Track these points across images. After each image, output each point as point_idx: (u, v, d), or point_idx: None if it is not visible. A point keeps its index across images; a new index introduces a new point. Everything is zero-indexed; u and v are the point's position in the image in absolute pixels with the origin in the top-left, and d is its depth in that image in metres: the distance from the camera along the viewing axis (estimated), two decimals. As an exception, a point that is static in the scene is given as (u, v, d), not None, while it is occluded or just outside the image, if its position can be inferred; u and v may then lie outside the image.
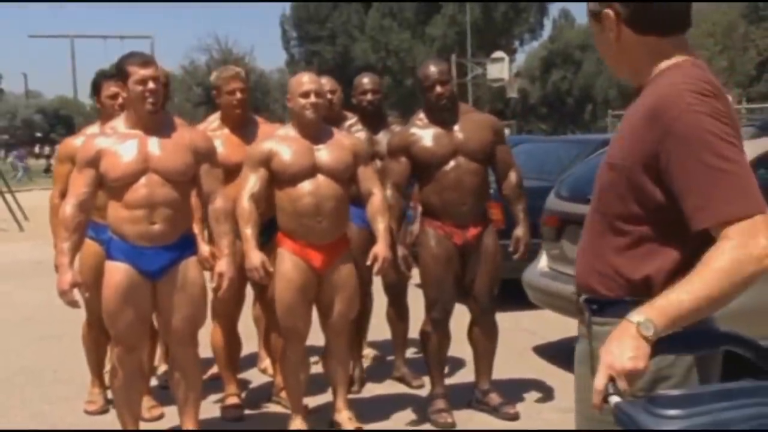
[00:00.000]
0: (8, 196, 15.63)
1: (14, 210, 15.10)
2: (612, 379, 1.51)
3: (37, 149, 55.07)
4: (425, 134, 4.12)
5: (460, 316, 4.38)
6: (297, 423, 4.01)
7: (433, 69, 4.11)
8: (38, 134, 65.38)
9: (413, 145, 4.11)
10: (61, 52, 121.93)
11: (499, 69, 27.70)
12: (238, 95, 4.28)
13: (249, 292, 4.48)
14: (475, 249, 4.14)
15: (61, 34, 39.70)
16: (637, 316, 1.52)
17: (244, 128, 4.34)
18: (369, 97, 4.71)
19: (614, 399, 1.51)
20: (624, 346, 1.51)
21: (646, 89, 1.75)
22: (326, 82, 4.72)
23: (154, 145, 3.58)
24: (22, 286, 8.39)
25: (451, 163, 4.10)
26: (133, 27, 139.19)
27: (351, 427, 4.00)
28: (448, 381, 4.43)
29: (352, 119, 4.82)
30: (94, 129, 4.39)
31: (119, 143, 3.57)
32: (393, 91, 43.16)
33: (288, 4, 52.76)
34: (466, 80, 32.55)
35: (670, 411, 1.43)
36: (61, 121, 68.53)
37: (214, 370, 4.73)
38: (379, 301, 5.10)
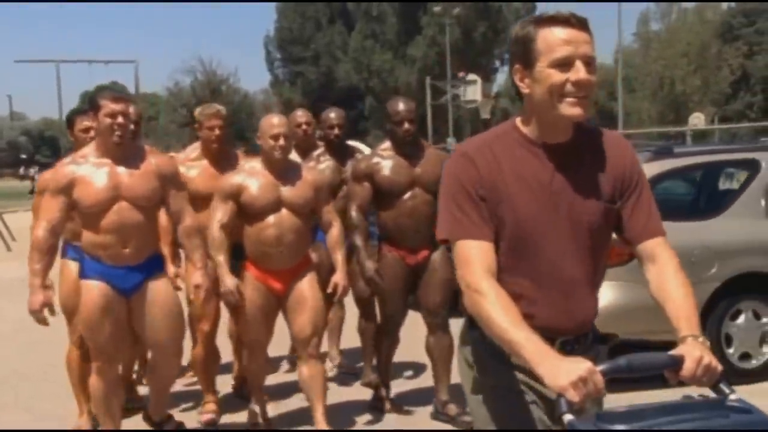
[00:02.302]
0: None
1: (1, 230, 15.47)
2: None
3: (21, 171, 55.03)
4: (387, 164, 4.44)
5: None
6: (256, 409, 4.48)
7: (402, 107, 4.41)
8: (23, 156, 65.32)
9: (376, 173, 4.43)
10: (46, 75, 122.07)
11: (473, 91, 28.25)
12: (217, 131, 4.61)
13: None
14: (425, 268, 4.50)
15: (47, 59, 40.04)
16: (696, 334, 1.82)
17: (222, 161, 4.63)
18: (336, 131, 5.14)
19: (567, 417, 1.62)
20: (708, 352, 1.77)
21: (574, 137, 1.99)
22: (301, 115, 5.20)
23: (123, 173, 3.79)
24: (12, 301, 8.77)
25: (409, 194, 4.41)
26: (119, 49, 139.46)
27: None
28: (409, 386, 4.80)
29: (320, 149, 5.23)
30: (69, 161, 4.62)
31: (91, 172, 3.77)
32: (376, 110, 43.71)
33: (272, 26, 53.36)
34: (441, 101, 33.12)
35: (617, 426, 1.57)
36: (46, 142, 68.59)
37: (192, 378, 5.07)
38: (350, 312, 5.47)
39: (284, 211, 4.12)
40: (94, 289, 3.76)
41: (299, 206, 4.15)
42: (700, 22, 38.49)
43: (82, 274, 3.85)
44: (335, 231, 4.28)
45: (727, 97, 40.57)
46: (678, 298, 1.90)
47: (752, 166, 5.49)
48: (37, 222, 3.81)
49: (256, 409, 4.51)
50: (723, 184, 6.29)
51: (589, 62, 1.88)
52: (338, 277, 4.22)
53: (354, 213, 4.45)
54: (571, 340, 1.99)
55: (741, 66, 40.18)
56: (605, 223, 2.00)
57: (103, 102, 3.74)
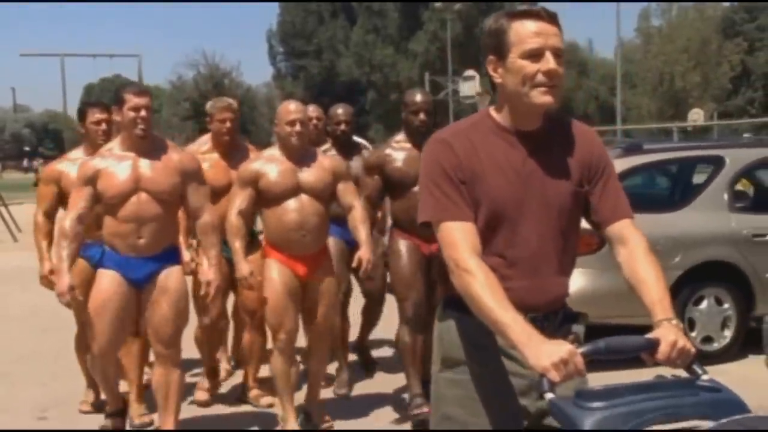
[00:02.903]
0: (2, 210, 16.29)
1: (8, 222, 15.76)
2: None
3: (25, 163, 55.27)
4: (399, 156, 4.44)
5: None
6: (291, 423, 4.21)
7: (420, 98, 4.46)
8: (26, 148, 65.47)
9: (387, 164, 4.44)
10: (50, 68, 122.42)
11: (470, 87, 28.42)
12: (228, 124, 4.68)
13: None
14: (439, 260, 4.55)
15: (52, 52, 40.34)
16: (670, 317, 1.91)
17: (232, 154, 4.70)
18: (342, 127, 5.13)
19: (549, 395, 1.73)
20: (682, 335, 1.86)
21: (545, 126, 2.08)
22: (313, 110, 5.30)
23: (145, 166, 3.89)
24: (23, 289, 9.10)
25: None
26: (123, 42, 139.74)
27: (323, 423, 4.28)
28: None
29: (327, 145, 5.27)
30: (78, 153, 4.64)
31: (115, 164, 3.88)
32: (377, 105, 43.97)
33: (275, 20, 53.56)
34: (440, 97, 33.38)
35: (594, 403, 1.67)
36: (50, 135, 68.78)
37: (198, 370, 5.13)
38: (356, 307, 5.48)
39: (304, 196, 4.15)
40: (106, 278, 3.89)
41: (319, 191, 4.19)
42: (700, 19, 38.60)
43: (100, 263, 3.97)
44: (357, 211, 4.28)
45: (728, 93, 40.68)
46: (650, 281, 1.98)
47: (717, 162, 5.85)
48: (66, 211, 3.92)
49: (291, 422, 4.24)
50: (696, 179, 6.64)
51: (558, 54, 1.97)
52: (363, 252, 4.20)
53: (363, 203, 4.49)
54: (540, 317, 2.04)
55: (741, 62, 40.29)
56: (574, 205, 2.09)
57: (128, 96, 3.87)
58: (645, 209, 5.36)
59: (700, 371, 1.82)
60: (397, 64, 42.91)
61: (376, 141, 5.69)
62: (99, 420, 4.37)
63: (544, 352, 1.75)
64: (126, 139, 3.94)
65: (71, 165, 4.38)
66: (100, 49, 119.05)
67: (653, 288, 1.98)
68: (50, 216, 4.49)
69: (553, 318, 2.10)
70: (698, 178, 6.50)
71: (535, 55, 1.96)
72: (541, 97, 1.98)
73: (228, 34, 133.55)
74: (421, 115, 4.44)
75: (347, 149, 5.18)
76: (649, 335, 1.86)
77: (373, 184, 4.50)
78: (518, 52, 1.97)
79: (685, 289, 5.45)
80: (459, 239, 2.00)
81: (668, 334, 1.85)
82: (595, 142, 2.17)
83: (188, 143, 5.53)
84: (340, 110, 5.24)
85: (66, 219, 3.87)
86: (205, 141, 4.90)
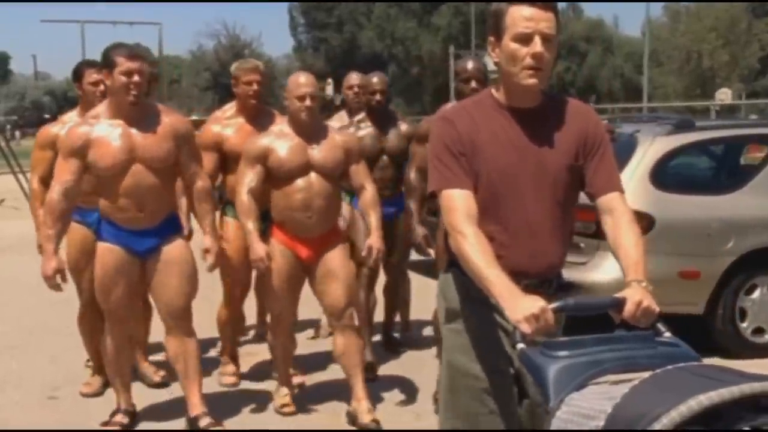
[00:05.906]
0: (20, 177, 16.27)
1: (26, 190, 15.73)
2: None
3: (45, 130, 55.46)
4: None
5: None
6: (282, 393, 4.24)
7: (471, 65, 4.27)
8: (47, 116, 65.62)
9: None
10: (71, 35, 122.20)
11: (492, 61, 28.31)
12: (255, 86, 4.40)
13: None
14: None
15: (72, 19, 40.28)
16: (640, 279, 2.05)
17: (258, 118, 4.43)
18: (378, 97, 4.84)
19: (520, 345, 1.91)
20: (648, 296, 1.99)
21: (541, 103, 2.26)
22: (355, 78, 5.12)
23: (138, 135, 3.66)
24: (37, 257, 9.00)
25: None
26: (143, 12, 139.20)
27: (368, 419, 3.97)
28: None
29: (361, 114, 5.00)
30: (72, 115, 4.42)
31: (106, 134, 3.63)
32: (398, 78, 43.63)
33: (296, -9, 53.06)
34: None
35: (559, 352, 1.84)
36: (70, 102, 69.05)
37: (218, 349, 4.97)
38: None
39: (313, 174, 3.96)
40: (109, 253, 3.76)
41: (329, 169, 3.99)
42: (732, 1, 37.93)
43: (99, 237, 3.82)
44: (368, 193, 4.09)
45: (756, 72, 40.15)
46: (629, 246, 2.15)
47: None
48: (51, 185, 3.68)
49: (284, 392, 4.27)
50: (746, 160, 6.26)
51: (546, 39, 2.12)
52: (373, 240, 4.01)
53: (413, 174, 4.32)
54: (535, 283, 2.21)
55: (771, 42, 39.63)
56: (570, 178, 2.25)
57: (119, 59, 3.58)
58: (695, 191, 5.06)
59: (663, 329, 1.96)
60: (419, 38, 42.54)
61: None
62: (109, 401, 4.19)
63: (519, 306, 1.94)
64: (114, 105, 3.67)
65: (66, 128, 4.06)
66: (121, 16, 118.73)
67: (630, 252, 2.14)
68: (46, 182, 4.15)
69: (547, 285, 2.28)
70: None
71: (525, 39, 2.12)
72: (527, 79, 2.15)
73: (249, 4, 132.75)
74: (473, 83, 4.18)
75: (383, 121, 4.88)
76: (617, 294, 2.00)
77: (424, 153, 4.16)
78: (510, 35, 2.14)
79: (737, 277, 5.03)
80: (456, 205, 2.18)
81: (635, 294, 2.00)
82: (592, 118, 2.32)
83: (208, 114, 5.28)
84: (375, 79, 4.92)
85: (51, 194, 3.62)
86: (229, 107, 4.61)
